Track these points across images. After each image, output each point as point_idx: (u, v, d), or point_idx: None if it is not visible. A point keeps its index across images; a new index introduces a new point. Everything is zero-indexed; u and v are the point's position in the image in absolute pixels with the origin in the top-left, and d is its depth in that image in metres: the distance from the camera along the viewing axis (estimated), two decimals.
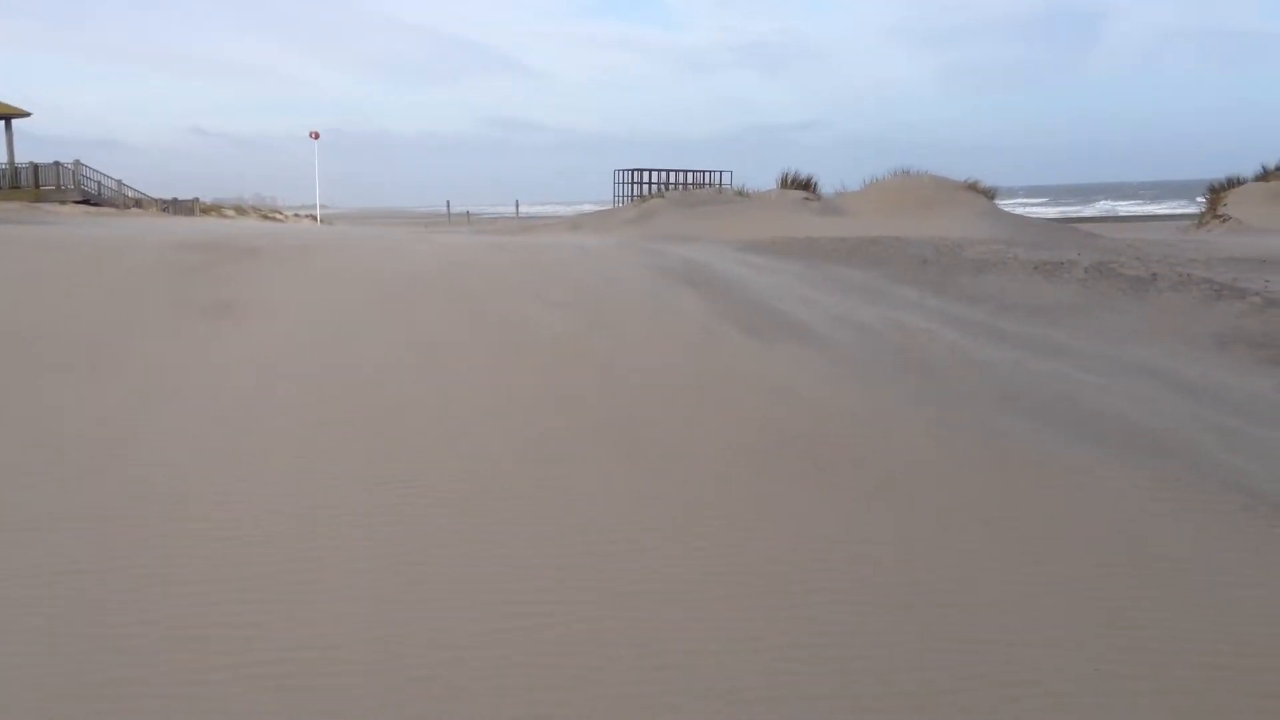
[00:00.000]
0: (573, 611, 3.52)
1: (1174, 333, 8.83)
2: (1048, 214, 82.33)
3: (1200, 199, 23.19)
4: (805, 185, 24.32)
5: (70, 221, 22.54)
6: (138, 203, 36.80)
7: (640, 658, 3.23)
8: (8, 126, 36.81)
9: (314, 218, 39.10)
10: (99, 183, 36.39)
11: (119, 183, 37.01)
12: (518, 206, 65.10)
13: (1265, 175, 24.01)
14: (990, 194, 21.49)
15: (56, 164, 35.48)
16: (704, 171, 34.58)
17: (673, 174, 33.77)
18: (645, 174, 34.07)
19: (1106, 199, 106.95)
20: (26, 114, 37.12)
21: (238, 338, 7.82)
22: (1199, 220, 23.43)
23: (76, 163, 35.60)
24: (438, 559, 3.94)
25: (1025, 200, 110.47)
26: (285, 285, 10.24)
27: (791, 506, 4.51)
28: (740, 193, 23.52)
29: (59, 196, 34.70)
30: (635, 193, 33.23)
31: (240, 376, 6.68)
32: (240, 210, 38.97)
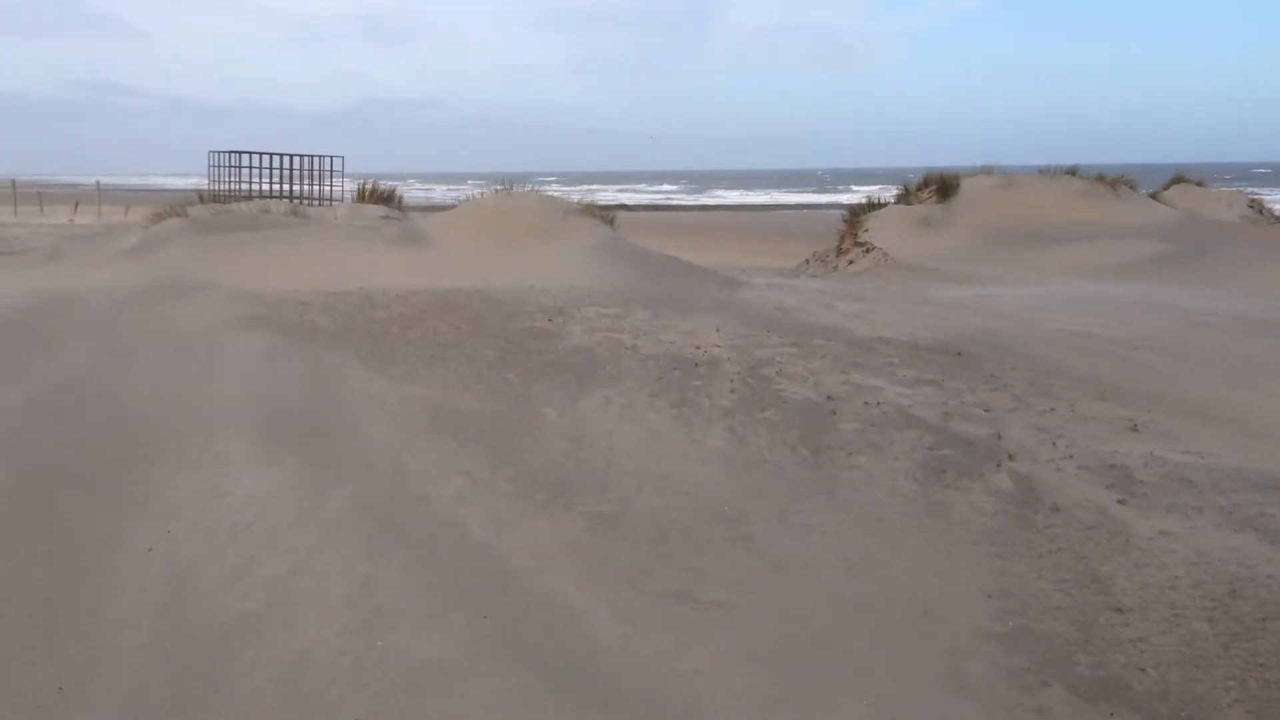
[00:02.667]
0: None
1: None
2: (684, 201, 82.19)
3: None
4: (388, 198, 19.18)
5: None
6: None
7: None
8: None
9: None
10: None
11: None
12: (99, 186, 57.85)
13: (905, 196, 21.63)
14: (610, 217, 17.41)
15: None
16: (314, 156, 30.89)
17: (278, 158, 30.12)
18: (246, 156, 29.95)
19: (735, 187, 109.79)
20: None
21: None
22: (838, 248, 20.37)
23: None
24: None
25: (659, 188, 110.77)
26: None
27: None
28: (297, 211, 17.97)
29: None
30: (235, 178, 29.36)
31: None
32: None
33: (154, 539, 5.21)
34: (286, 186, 30.40)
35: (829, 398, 7.88)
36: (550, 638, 4.26)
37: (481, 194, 18.06)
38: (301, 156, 31.49)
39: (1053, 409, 7.68)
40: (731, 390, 8.03)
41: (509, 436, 6.90)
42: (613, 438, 6.93)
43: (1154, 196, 23.16)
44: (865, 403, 7.73)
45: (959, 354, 9.57)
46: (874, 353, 9.68)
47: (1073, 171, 21.81)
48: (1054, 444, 6.81)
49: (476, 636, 4.23)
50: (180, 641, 4.24)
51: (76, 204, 43.85)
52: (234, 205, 18.63)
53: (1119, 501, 5.78)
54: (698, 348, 9.61)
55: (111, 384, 8.26)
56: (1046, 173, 21.82)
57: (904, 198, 21.77)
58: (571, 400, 7.81)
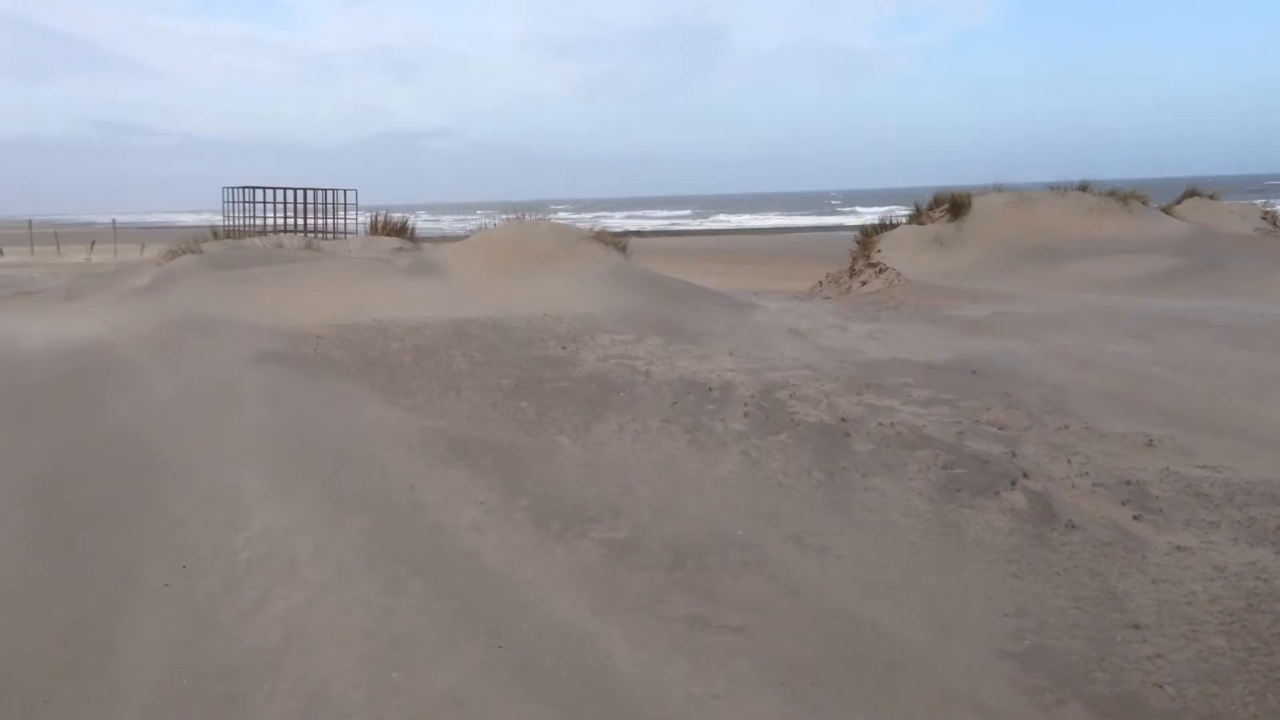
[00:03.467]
0: None
1: None
2: (692, 226, 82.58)
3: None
4: (400, 230, 19.31)
5: None
6: None
7: None
8: None
9: None
10: None
11: None
12: (115, 224, 58.90)
13: (917, 216, 21.61)
14: (621, 244, 17.48)
15: None
16: (325, 190, 31.12)
17: (292, 192, 30.43)
18: (260, 191, 30.31)
19: (744, 211, 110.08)
20: None
21: None
22: (850, 269, 20.40)
23: None
24: None
25: (667, 213, 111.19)
26: None
27: None
28: (311, 245, 18.09)
29: None
30: (248, 213, 29.77)
31: None
32: None
33: (171, 574, 5.25)
34: (300, 220, 30.64)
35: (843, 419, 7.88)
36: (566, 665, 4.26)
37: (493, 223, 18.16)
38: (315, 190, 31.85)
39: (1067, 426, 7.66)
40: (745, 414, 8.05)
41: (523, 465, 6.92)
42: (627, 464, 6.95)
43: (1166, 211, 23.07)
44: (879, 424, 7.73)
45: (973, 372, 9.56)
46: (888, 373, 9.68)
47: (1084, 187, 21.76)
48: (1069, 461, 6.79)
49: (493, 666, 4.24)
50: (197, 676, 4.26)
51: (93, 243, 44.25)
52: (248, 240, 18.78)
53: (1134, 517, 5.76)
54: (711, 372, 9.64)
55: (128, 420, 8.33)
56: (1057, 189, 21.77)
57: (915, 217, 21.78)
58: (585, 428, 7.83)
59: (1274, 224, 24.08)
